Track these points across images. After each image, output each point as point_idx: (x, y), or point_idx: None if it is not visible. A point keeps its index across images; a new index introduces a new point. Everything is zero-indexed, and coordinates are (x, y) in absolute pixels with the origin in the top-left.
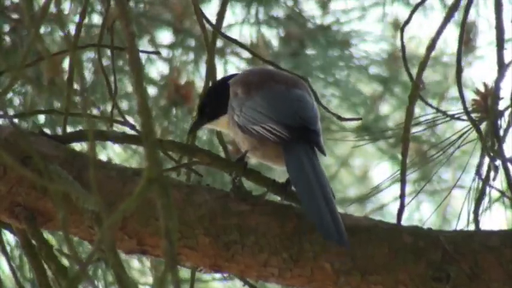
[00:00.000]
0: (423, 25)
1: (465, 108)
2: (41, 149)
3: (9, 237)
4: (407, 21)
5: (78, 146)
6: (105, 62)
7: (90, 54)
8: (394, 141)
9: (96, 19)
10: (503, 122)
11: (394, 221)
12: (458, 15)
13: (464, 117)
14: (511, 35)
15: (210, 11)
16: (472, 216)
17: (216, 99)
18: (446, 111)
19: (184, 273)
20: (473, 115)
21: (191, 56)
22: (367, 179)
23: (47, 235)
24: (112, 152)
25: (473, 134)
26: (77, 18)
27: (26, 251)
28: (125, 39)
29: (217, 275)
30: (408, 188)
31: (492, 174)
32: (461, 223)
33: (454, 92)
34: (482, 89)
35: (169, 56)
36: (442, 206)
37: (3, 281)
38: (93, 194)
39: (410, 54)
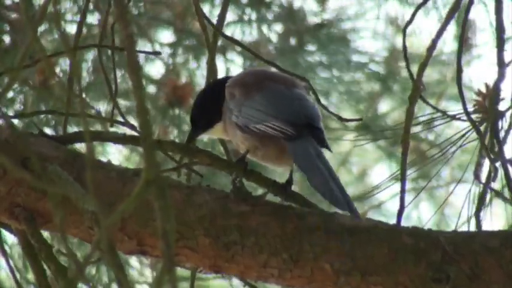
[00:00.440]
0: (423, 24)
1: (465, 109)
2: (40, 149)
3: (9, 238)
4: (409, 22)
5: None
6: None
7: (90, 54)
8: (393, 140)
9: (96, 19)
10: (504, 123)
11: (391, 218)
12: (457, 15)
13: (465, 117)
14: (511, 34)
15: (211, 10)
16: (471, 216)
17: (207, 107)
18: (446, 111)
19: (184, 272)
20: (474, 116)
21: (192, 55)
22: (366, 177)
23: (46, 236)
24: (115, 151)
25: (474, 134)
26: (77, 18)
27: (26, 252)
28: (124, 40)
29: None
30: (407, 186)
31: (492, 175)
32: (461, 223)
33: (452, 91)
34: (483, 89)
35: (170, 56)
36: (442, 206)
37: (3, 281)
38: (90, 195)
39: (410, 54)
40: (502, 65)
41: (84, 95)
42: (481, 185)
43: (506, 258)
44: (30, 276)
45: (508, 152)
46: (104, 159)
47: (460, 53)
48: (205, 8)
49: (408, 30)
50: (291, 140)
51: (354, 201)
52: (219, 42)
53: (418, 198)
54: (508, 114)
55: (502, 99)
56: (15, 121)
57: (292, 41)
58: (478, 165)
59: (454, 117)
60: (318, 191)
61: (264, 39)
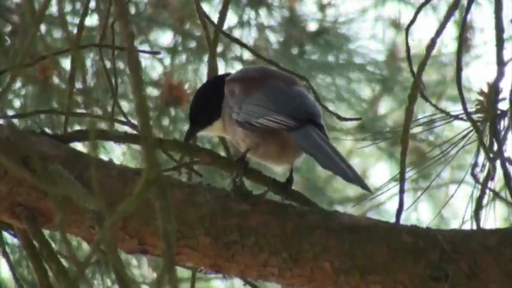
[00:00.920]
0: (423, 24)
1: (465, 108)
2: (41, 148)
3: (9, 239)
4: (412, 22)
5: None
6: (106, 62)
7: (90, 56)
8: (392, 140)
9: (96, 21)
10: (505, 123)
11: (390, 218)
12: (457, 15)
13: (465, 117)
14: (511, 34)
15: (210, 10)
16: (471, 216)
17: (206, 104)
18: (445, 110)
19: (184, 273)
20: (476, 116)
21: (191, 57)
22: (366, 178)
23: (47, 236)
24: (117, 149)
25: (475, 135)
26: (76, 19)
27: (27, 252)
28: (125, 39)
29: (218, 274)
30: (406, 186)
31: (491, 175)
32: (461, 223)
33: (451, 91)
34: (485, 89)
35: (169, 57)
36: (440, 206)
37: (3, 282)
38: (95, 194)
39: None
40: (501, 63)
41: (88, 93)
42: (479, 185)
43: (504, 256)
44: (30, 276)
45: (508, 151)
46: (105, 158)
47: (459, 51)
48: (206, 8)
49: (409, 33)
50: (294, 130)
51: (353, 202)
52: (219, 48)
53: (418, 199)
54: (507, 113)
55: (503, 99)
56: (15, 121)
57: (294, 49)
58: (476, 165)
59: (454, 116)
60: (329, 170)
61: (264, 43)
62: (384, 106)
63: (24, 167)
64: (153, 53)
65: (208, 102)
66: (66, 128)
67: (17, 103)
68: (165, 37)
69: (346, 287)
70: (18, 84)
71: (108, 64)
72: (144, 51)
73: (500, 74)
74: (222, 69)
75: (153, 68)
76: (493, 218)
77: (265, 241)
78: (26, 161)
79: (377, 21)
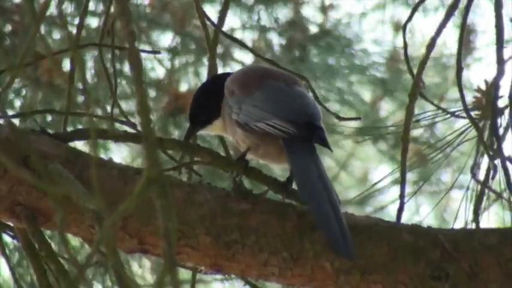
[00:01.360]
0: (423, 25)
1: (465, 106)
2: (41, 147)
3: (9, 239)
4: (408, 19)
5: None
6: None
7: (89, 57)
8: (393, 142)
9: (96, 21)
10: (503, 121)
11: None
12: (457, 16)
13: (464, 115)
14: (511, 34)
15: (213, 11)
16: (471, 215)
17: (206, 103)
18: (446, 109)
19: (185, 274)
20: (473, 113)
21: (191, 58)
22: (367, 181)
23: (47, 236)
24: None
25: (473, 133)
26: (76, 19)
27: (27, 252)
28: (125, 39)
29: (218, 276)
30: (407, 190)
31: (491, 173)
32: (461, 223)
33: (453, 93)
34: (483, 86)
35: (170, 59)
36: (441, 208)
37: (2, 282)
38: (95, 194)
39: (410, 55)
40: (501, 61)
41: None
42: (479, 184)
43: (504, 256)
44: (30, 277)
45: (507, 149)
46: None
47: (460, 48)
48: (207, 9)
49: (409, 35)
50: (288, 143)
51: (353, 203)
52: (219, 50)
53: (419, 203)
54: (507, 111)
55: (501, 96)
56: (16, 121)
57: (295, 52)
58: (476, 163)
59: (453, 114)
60: (317, 226)
61: (265, 45)
62: (385, 108)
63: (24, 166)
64: (154, 52)
65: (208, 102)
66: (65, 127)
67: (17, 103)
68: (165, 38)
69: (347, 286)
70: (17, 84)
71: (108, 64)
72: (144, 51)
73: (501, 72)
74: (222, 69)
75: (153, 69)
76: (493, 217)
77: (265, 240)
78: (25, 160)
79: (378, 23)
